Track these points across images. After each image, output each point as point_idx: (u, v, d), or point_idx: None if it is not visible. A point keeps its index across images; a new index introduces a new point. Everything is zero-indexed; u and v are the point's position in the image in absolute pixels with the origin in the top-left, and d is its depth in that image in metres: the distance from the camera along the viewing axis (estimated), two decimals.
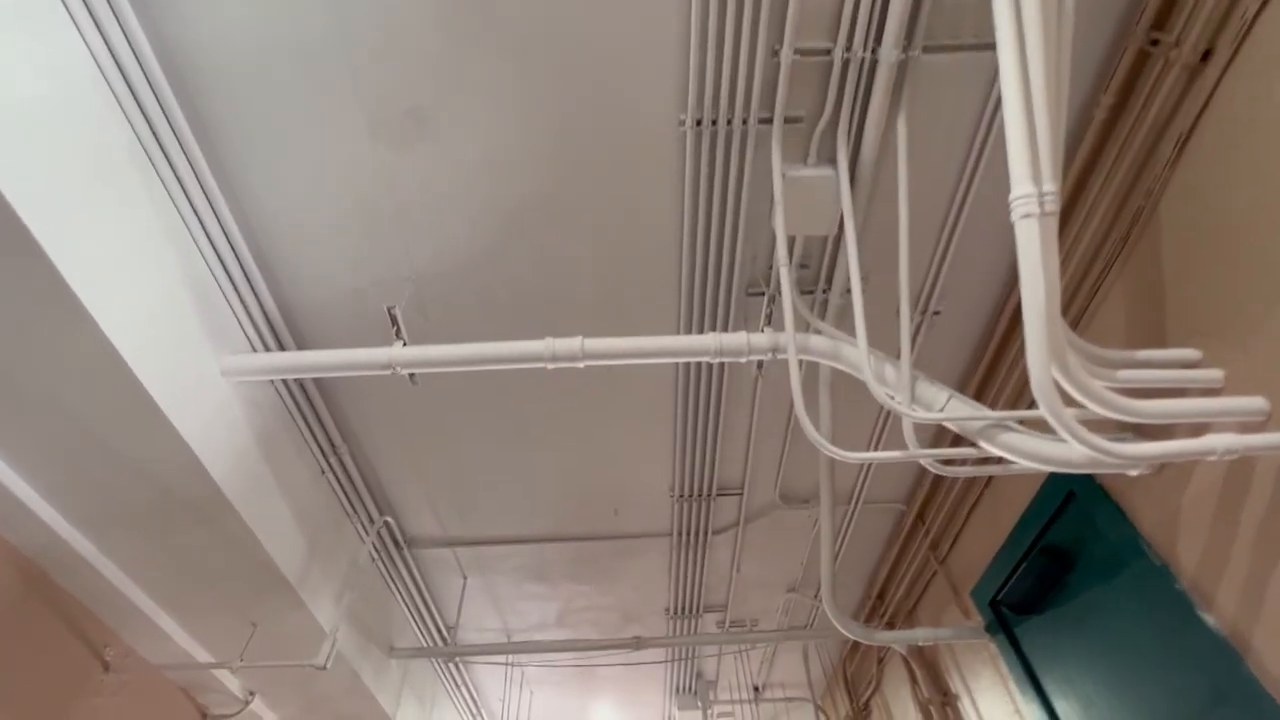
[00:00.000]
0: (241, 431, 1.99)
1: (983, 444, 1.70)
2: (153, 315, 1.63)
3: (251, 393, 2.06)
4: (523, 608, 3.64)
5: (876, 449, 2.62)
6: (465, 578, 3.38)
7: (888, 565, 3.26)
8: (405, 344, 1.92)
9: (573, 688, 4.49)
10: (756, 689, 4.47)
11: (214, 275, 1.87)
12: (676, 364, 2.42)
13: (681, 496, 2.96)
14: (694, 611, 3.66)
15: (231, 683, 2.73)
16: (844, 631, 2.46)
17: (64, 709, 2.13)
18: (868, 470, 2.87)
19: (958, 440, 1.83)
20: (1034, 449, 1.64)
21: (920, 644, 2.45)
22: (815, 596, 3.59)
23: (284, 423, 2.25)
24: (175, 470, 1.83)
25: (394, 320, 1.95)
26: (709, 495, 2.96)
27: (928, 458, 1.80)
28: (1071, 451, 1.64)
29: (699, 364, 2.38)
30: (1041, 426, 1.66)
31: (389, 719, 3.09)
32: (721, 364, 2.36)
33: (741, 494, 2.98)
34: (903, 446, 1.79)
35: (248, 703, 2.80)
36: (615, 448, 2.74)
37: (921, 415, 1.70)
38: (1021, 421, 1.74)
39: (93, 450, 1.78)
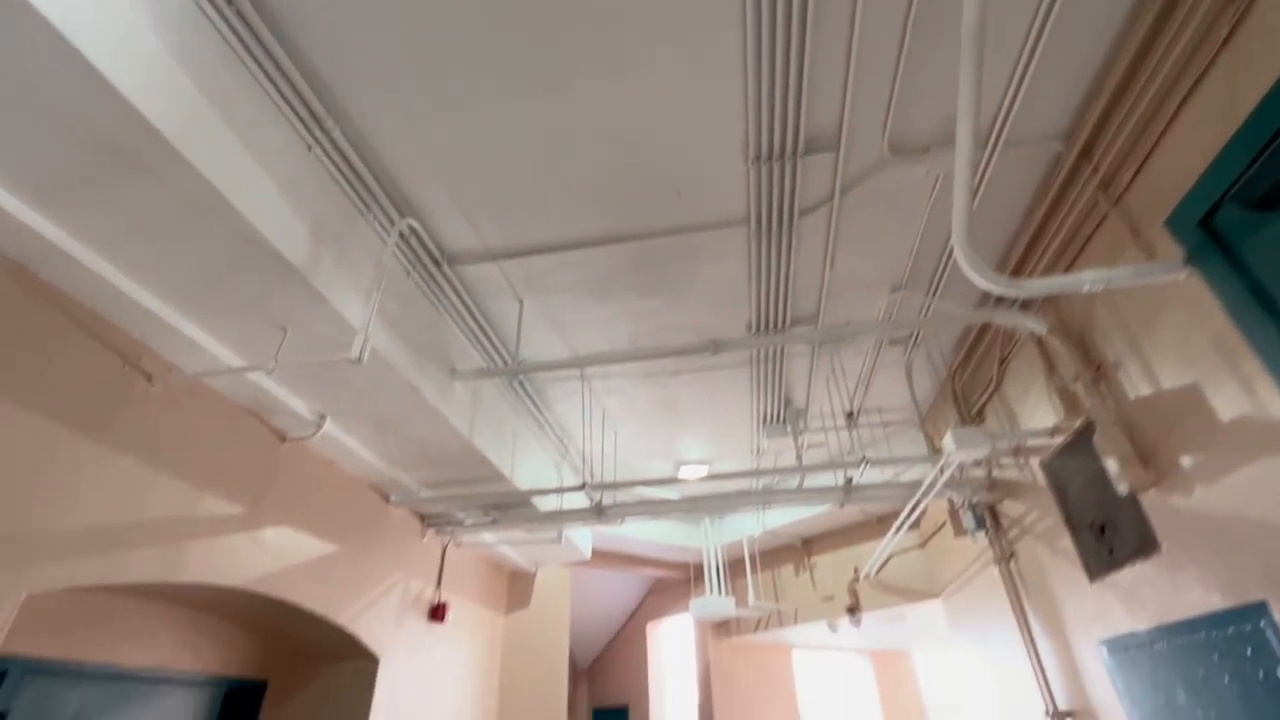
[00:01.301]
0: (162, 60, 1.48)
1: None
2: None
3: (163, 7, 1.51)
4: (589, 337, 3.35)
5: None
6: (521, 301, 3.05)
7: (1030, 229, 2.57)
8: None
9: (657, 423, 4.41)
10: (850, 414, 4.20)
11: None
12: None
13: (759, 159, 2.32)
14: (780, 325, 3.22)
15: (298, 404, 2.64)
16: (982, 283, 1.89)
17: (108, 416, 2.03)
18: (1018, 87, 2.06)
19: None
20: None
21: (1087, 289, 1.87)
22: (928, 292, 3.02)
23: (228, 63, 1.73)
24: (88, 101, 1.39)
25: None
26: (794, 153, 2.30)
27: None
28: None
29: None
30: None
31: (464, 439, 3.02)
32: None
33: (837, 149, 2.30)
34: None
35: (320, 426, 2.74)
36: (667, 88, 2.08)
37: None
38: None
39: None
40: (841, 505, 3.68)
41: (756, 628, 6.12)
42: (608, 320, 3.23)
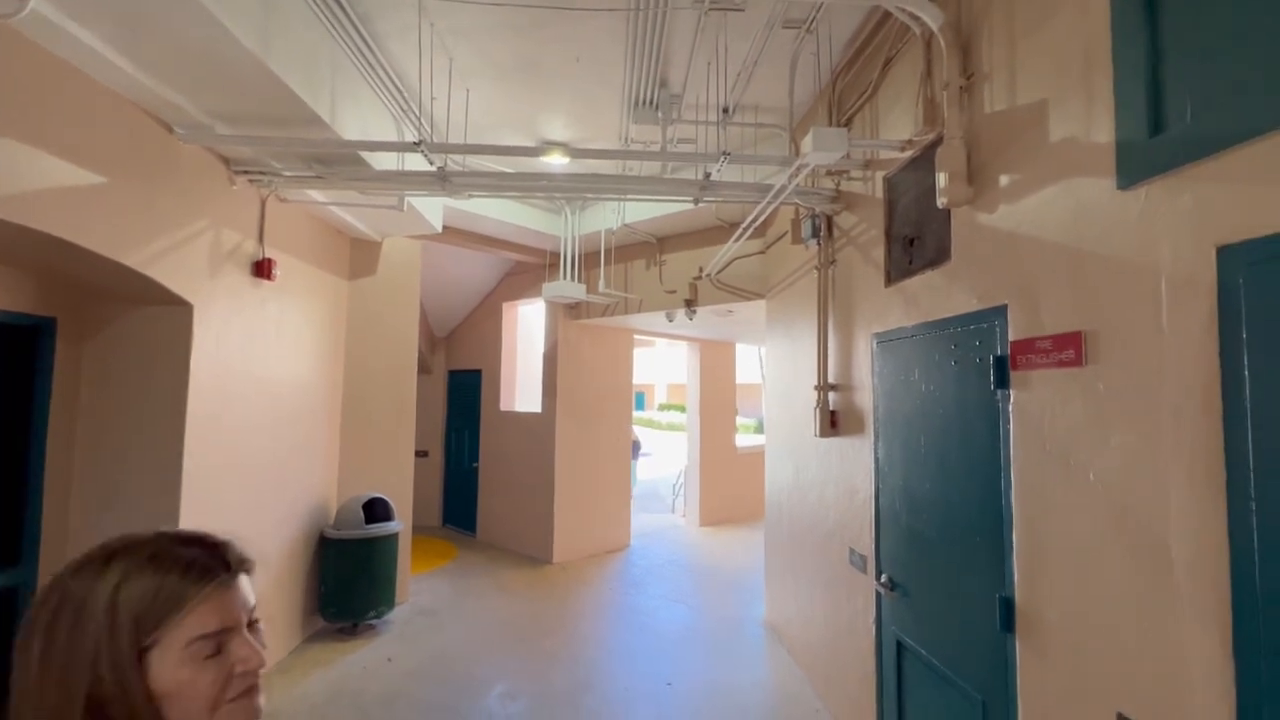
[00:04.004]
0: None
1: None
2: None
3: None
4: None
5: None
6: None
7: None
8: None
9: (516, 88, 3.86)
10: (725, 110, 3.94)
11: None
12: None
13: None
14: None
15: None
16: None
17: None
18: None
19: None
20: None
21: None
22: None
23: None
24: None
25: None
26: None
27: None
28: None
29: None
30: None
31: (254, 56, 2.39)
32: None
33: None
34: None
35: (22, 1, 1.98)
36: None
37: None
38: None
39: None
40: (696, 202, 3.67)
41: (604, 313, 6.63)
42: None
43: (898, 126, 2.87)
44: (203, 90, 2.68)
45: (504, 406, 7.59)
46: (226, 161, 3.38)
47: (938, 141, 2.45)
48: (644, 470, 9.72)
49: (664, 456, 17.54)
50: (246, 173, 3.45)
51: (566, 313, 6.95)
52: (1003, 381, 2.05)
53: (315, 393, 4.53)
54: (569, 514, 6.86)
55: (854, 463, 3.29)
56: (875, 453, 3.00)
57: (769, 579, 5.05)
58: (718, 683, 4.01)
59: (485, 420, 7.74)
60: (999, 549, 2.06)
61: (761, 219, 3.79)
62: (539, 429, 6.99)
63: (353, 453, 5.04)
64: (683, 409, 31.17)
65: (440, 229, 4.99)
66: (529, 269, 7.16)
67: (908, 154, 2.76)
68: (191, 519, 3.16)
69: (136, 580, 0.61)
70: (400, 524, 4.92)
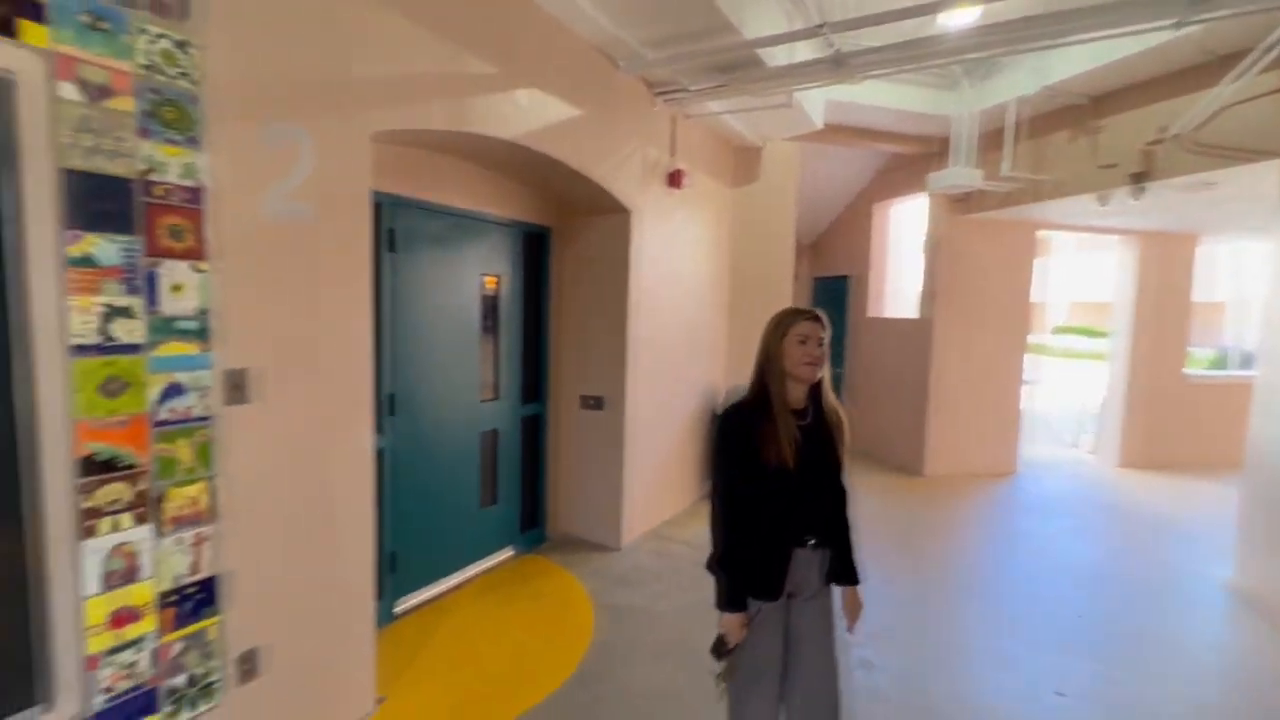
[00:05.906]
0: None
1: None
2: None
3: None
4: None
5: None
6: None
7: None
8: None
9: None
10: None
11: None
12: None
13: None
14: None
15: None
16: None
17: None
18: None
19: None
20: None
21: None
22: None
23: None
24: None
25: None
26: None
27: None
28: None
29: None
30: None
31: None
32: None
33: None
34: None
35: None
36: None
37: None
38: None
39: None
40: (1178, 26, 2.73)
41: (1002, 203, 5.67)
42: None
43: None
44: (639, 19, 3.15)
45: (872, 313, 7.35)
46: (649, 86, 3.95)
47: None
48: (1029, 398, 8.23)
49: (1057, 387, 14.57)
50: (662, 93, 3.98)
51: (954, 206, 6.18)
52: None
53: (708, 290, 5.16)
54: (944, 428, 6.40)
55: None
56: None
57: (1243, 534, 3.86)
58: (1155, 633, 3.34)
59: (852, 326, 7.66)
60: None
61: None
62: (914, 336, 6.58)
63: (736, 346, 5.64)
64: (1084, 333, 24.88)
65: (821, 124, 4.92)
66: (904, 163, 6.55)
67: None
68: (636, 385, 4.05)
69: (785, 316, 1.66)
70: None
